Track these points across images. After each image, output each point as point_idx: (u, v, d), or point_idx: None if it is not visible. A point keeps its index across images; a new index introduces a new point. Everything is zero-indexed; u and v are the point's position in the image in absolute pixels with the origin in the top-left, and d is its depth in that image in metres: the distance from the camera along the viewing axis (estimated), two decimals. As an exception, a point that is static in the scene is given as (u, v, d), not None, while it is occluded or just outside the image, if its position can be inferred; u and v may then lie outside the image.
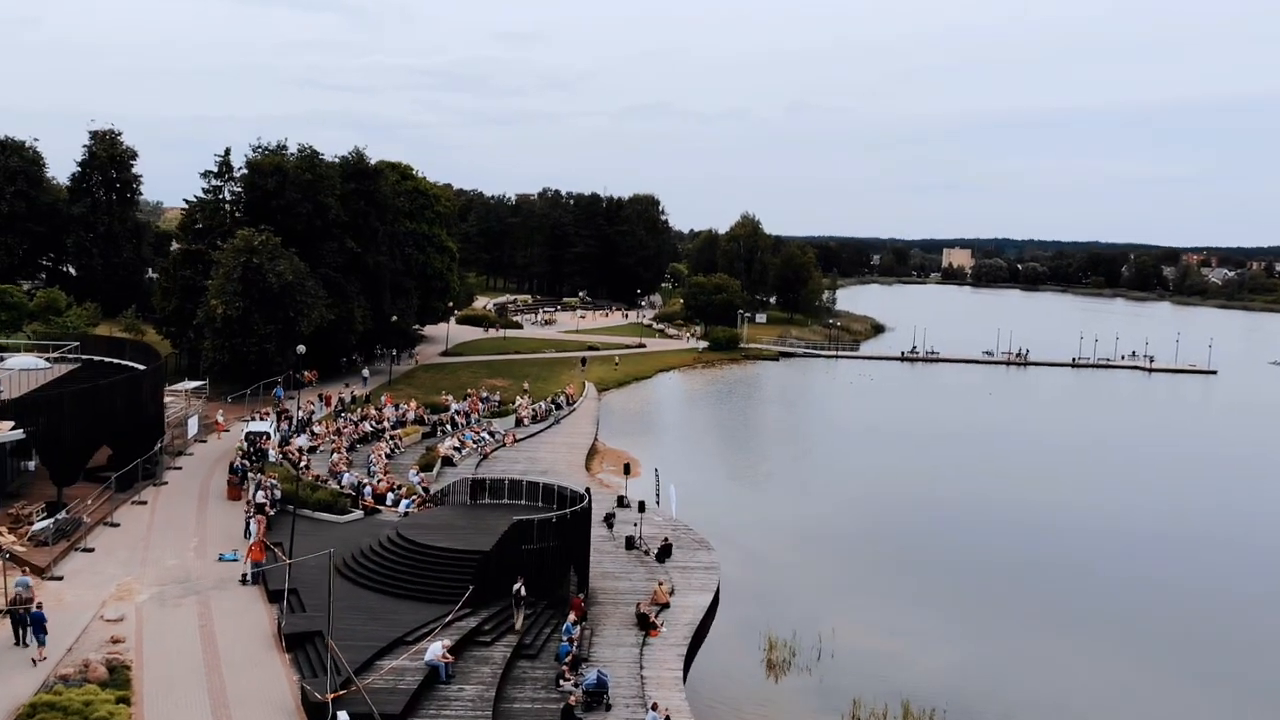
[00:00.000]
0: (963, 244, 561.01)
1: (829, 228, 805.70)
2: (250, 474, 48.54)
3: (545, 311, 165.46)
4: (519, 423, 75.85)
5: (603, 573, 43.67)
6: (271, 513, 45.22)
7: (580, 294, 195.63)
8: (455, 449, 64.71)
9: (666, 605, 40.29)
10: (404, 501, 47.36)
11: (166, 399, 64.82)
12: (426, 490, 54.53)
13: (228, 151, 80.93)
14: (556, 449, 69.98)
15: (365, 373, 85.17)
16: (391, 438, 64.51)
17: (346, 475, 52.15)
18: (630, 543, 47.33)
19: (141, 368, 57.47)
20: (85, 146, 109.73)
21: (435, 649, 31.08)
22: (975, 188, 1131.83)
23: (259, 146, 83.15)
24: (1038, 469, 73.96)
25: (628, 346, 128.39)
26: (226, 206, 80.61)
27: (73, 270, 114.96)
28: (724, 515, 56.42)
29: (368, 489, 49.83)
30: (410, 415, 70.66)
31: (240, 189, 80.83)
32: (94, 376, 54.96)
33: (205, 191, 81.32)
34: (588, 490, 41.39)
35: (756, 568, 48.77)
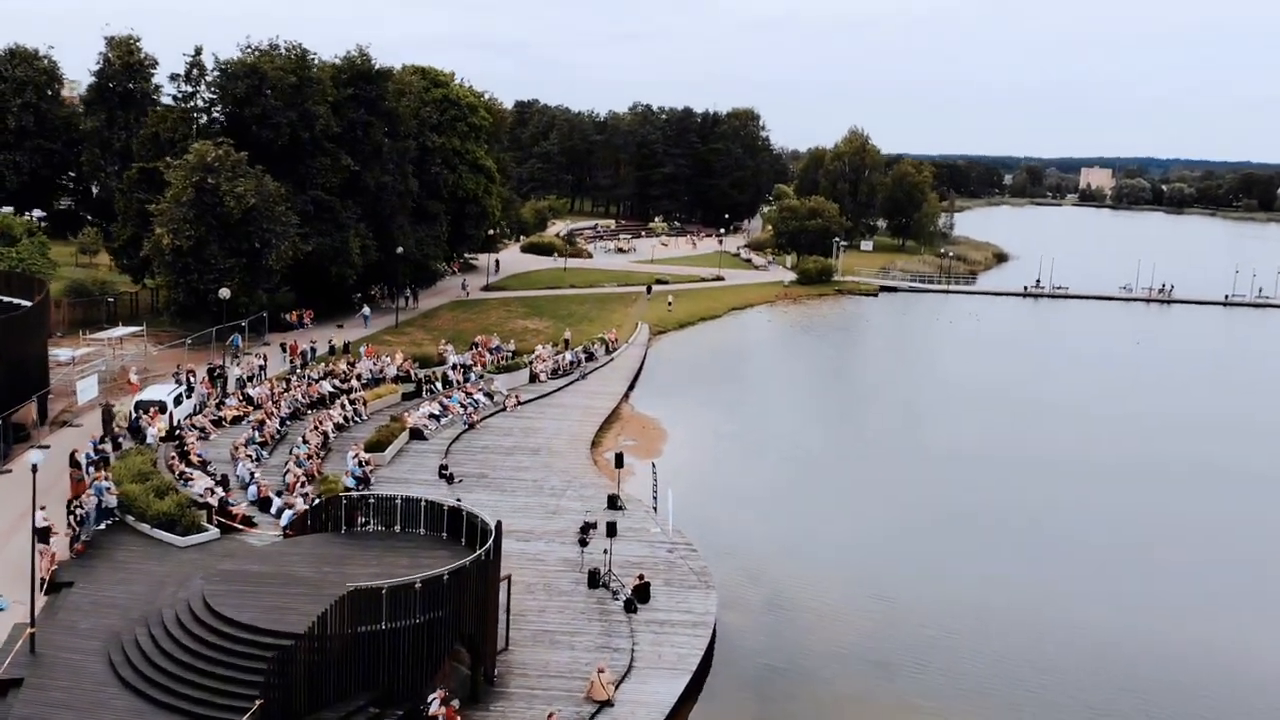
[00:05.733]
0: (1103, 163, 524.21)
1: (959, 145, 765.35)
2: (93, 468, 36.34)
3: (621, 238, 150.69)
4: (534, 378, 62.55)
5: (537, 633, 30.25)
6: (101, 526, 33.12)
7: (658, 218, 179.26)
8: (432, 417, 51.75)
9: (608, 704, 26.75)
10: (287, 513, 34.44)
11: (80, 350, 53.56)
12: (363, 481, 41.95)
13: (198, 51, 68.44)
14: (567, 415, 56.50)
15: (365, 311, 72.73)
16: (352, 402, 51.82)
17: (241, 465, 39.66)
18: (594, 579, 33.77)
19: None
20: (100, 54, 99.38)
21: None
22: (1118, 103, 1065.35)
23: (247, 47, 70.44)
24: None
25: (703, 279, 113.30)
26: (198, 116, 68.22)
27: (97, 191, 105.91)
28: (743, 526, 41.97)
29: (252, 489, 37.23)
30: (392, 370, 57.92)
31: (215, 95, 68.34)
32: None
33: (174, 99, 69.28)
34: (498, 525, 27.72)
35: (773, 618, 34.36)
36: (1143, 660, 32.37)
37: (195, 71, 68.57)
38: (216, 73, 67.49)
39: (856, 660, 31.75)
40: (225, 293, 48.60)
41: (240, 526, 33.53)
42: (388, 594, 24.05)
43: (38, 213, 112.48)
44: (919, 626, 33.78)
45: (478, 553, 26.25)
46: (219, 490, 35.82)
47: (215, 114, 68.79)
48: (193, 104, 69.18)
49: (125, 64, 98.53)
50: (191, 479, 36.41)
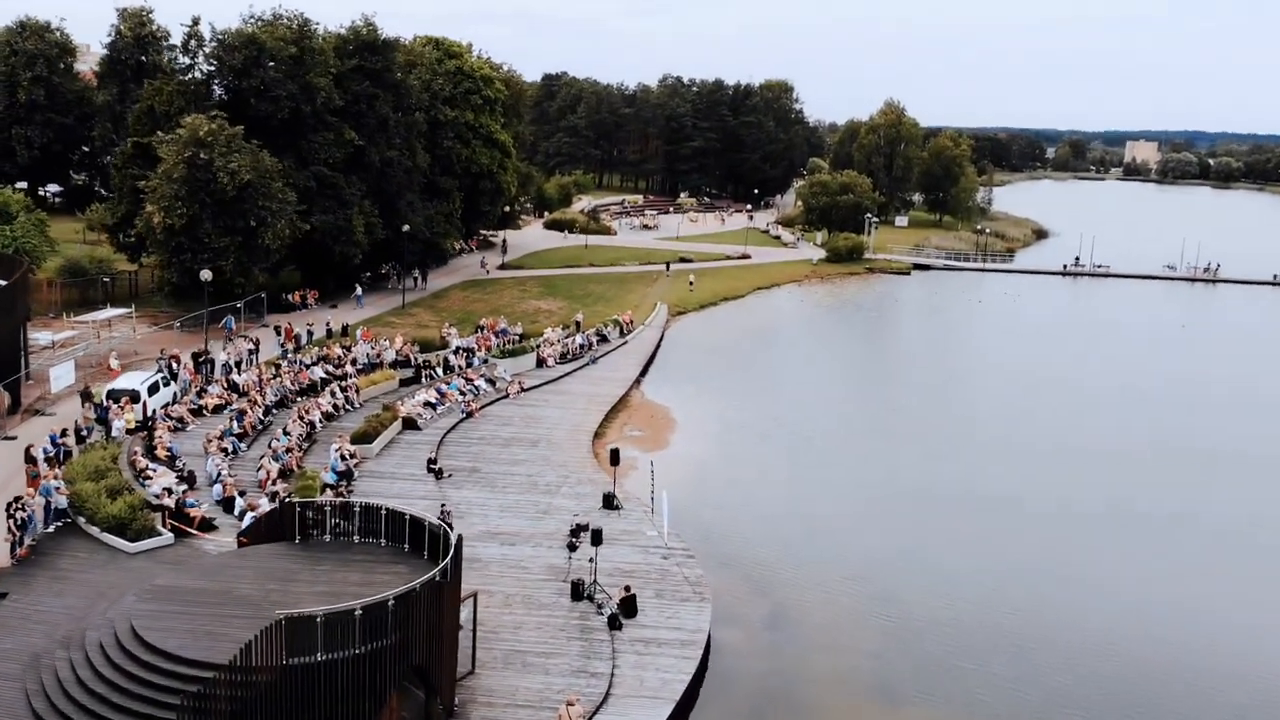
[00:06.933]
0: (1148, 136, 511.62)
1: (1000, 118, 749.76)
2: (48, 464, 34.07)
3: (647, 215, 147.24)
4: (541, 363, 59.92)
5: (509, 654, 27.68)
6: (50, 530, 30.88)
7: (684, 193, 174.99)
8: (428, 405, 49.27)
9: (577, 740, 24.12)
10: (249, 515, 31.96)
11: (63, 333, 51.51)
12: (345, 476, 39.50)
13: (195, 21, 65.96)
14: (573, 403, 53.81)
15: (358, 292, 70.11)
16: (344, 389, 49.35)
17: (212, 459, 37.30)
18: (577, 590, 31.12)
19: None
20: (112, 26, 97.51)
21: None
22: (1164, 75, 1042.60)
23: (250, 17, 67.90)
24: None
25: (729, 257, 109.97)
26: (196, 88, 65.68)
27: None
28: (747, 529, 38.83)
29: (217, 488, 34.85)
30: (391, 355, 55.43)
31: (212, 67, 65.86)
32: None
33: (170, 71, 66.86)
34: (459, 540, 25.09)
35: (773, 635, 31.48)
36: (1170, 688, 29.22)
37: (193, 43, 66.20)
38: (214, 43, 64.93)
39: (861, 685, 28.84)
40: (206, 274, 46.05)
41: (194, 532, 31.08)
42: (323, 622, 21.48)
43: (53, 188, 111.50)
44: (930, 647, 30.58)
45: (431, 574, 23.61)
46: (177, 490, 33.40)
47: (214, 86, 66.28)
48: (190, 76, 66.74)
49: (137, 36, 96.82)
50: (151, 477, 34.04)
